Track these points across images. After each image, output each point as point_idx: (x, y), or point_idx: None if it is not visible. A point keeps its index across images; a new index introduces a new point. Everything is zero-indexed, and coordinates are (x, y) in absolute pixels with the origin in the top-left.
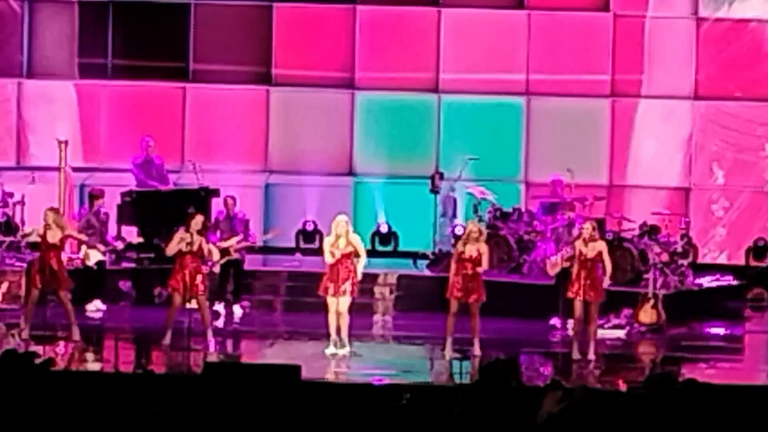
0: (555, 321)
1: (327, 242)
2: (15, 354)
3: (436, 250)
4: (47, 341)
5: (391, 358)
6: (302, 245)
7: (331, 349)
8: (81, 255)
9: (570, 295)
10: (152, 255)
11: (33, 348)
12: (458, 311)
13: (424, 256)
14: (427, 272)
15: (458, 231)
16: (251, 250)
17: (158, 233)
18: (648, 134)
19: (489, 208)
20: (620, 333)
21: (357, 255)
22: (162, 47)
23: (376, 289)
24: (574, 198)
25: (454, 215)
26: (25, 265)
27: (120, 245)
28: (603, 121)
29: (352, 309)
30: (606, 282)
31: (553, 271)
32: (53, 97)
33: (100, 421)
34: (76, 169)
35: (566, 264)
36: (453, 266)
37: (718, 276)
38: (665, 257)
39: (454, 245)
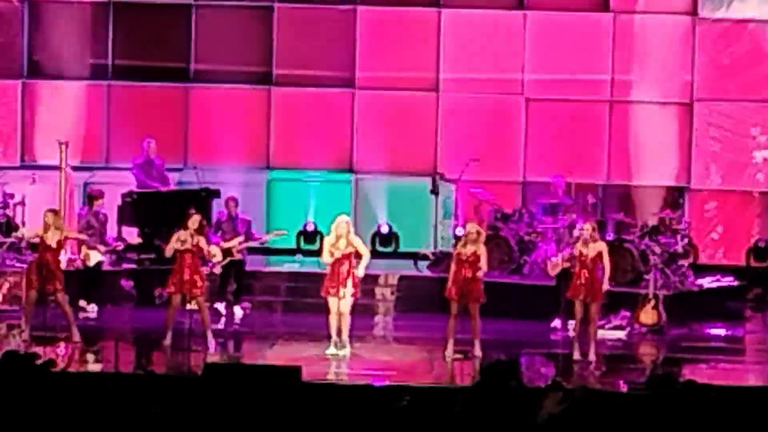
0: (556, 322)
1: (327, 242)
2: (16, 355)
3: (437, 251)
4: (47, 342)
5: (391, 359)
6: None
7: (331, 350)
8: (81, 256)
9: (570, 295)
10: (153, 256)
11: (33, 349)
12: (459, 312)
13: (424, 257)
14: (427, 273)
15: (459, 232)
16: (253, 249)
17: (159, 234)
18: (648, 134)
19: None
20: (621, 334)
21: (358, 256)
22: (164, 48)
23: (377, 290)
24: (575, 201)
25: (456, 216)
26: (25, 266)
27: (120, 246)
28: (602, 121)
29: (353, 310)
30: (605, 285)
31: (553, 272)
32: (56, 98)
33: (101, 422)
34: (76, 168)
35: (567, 264)
36: (452, 267)
37: (718, 277)
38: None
39: (454, 246)
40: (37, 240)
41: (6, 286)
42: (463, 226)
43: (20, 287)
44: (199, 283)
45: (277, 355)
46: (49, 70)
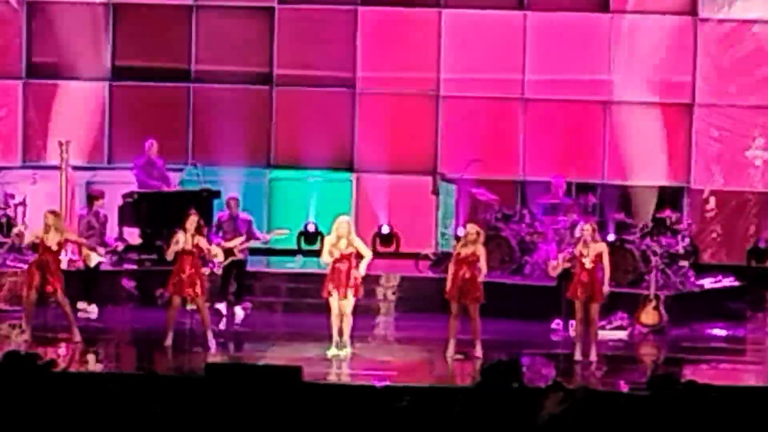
0: (556, 322)
1: (328, 242)
2: (17, 355)
3: (438, 251)
4: (48, 343)
5: (392, 359)
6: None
7: (332, 351)
8: (82, 256)
9: (570, 296)
10: (154, 256)
11: (34, 349)
12: (460, 313)
13: (425, 257)
14: (429, 273)
15: (460, 232)
16: (254, 249)
17: (159, 234)
18: (648, 135)
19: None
20: (622, 334)
21: (359, 256)
22: (165, 49)
23: (378, 291)
24: (575, 201)
25: (456, 217)
26: (25, 266)
27: (120, 246)
28: (602, 121)
29: (355, 310)
30: (605, 287)
31: (554, 273)
32: (58, 99)
33: (102, 422)
34: (77, 168)
35: (567, 265)
36: (451, 268)
37: (719, 277)
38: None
39: (454, 246)
40: (37, 241)
41: (6, 286)
42: (464, 226)
43: (21, 288)
44: (199, 285)
45: (277, 355)
46: (50, 70)
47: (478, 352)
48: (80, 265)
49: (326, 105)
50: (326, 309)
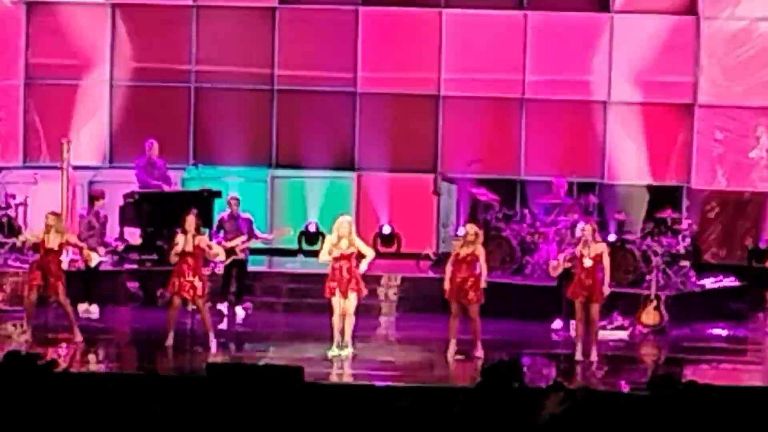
0: (557, 322)
1: (328, 241)
2: (18, 355)
3: (440, 252)
4: (50, 343)
5: (393, 359)
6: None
7: (333, 351)
8: (83, 256)
9: (570, 296)
10: (154, 256)
11: (35, 349)
12: (460, 313)
13: (426, 257)
14: (430, 273)
15: (460, 232)
16: (255, 249)
17: (160, 234)
18: (649, 135)
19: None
20: (623, 334)
21: (360, 256)
22: (166, 49)
23: (380, 291)
24: (576, 202)
25: (457, 217)
26: (26, 266)
27: (120, 246)
28: (603, 121)
29: (356, 311)
30: (605, 288)
31: (555, 273)
32: (59, 100)
33: (103, 423)
34: (78, 168)
35: (568, 265)
36: (449, 268)
37: (720, 277)
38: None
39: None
40: (37, 242)
41: (8, 286)
42: (463, 227)
43: (22, 288)
44: (199, 286)
45: (278, 355)
46: (50, 71)
47: (479, 352)
48: (81, 265)
49: (327, 105)
50: (328, 309)
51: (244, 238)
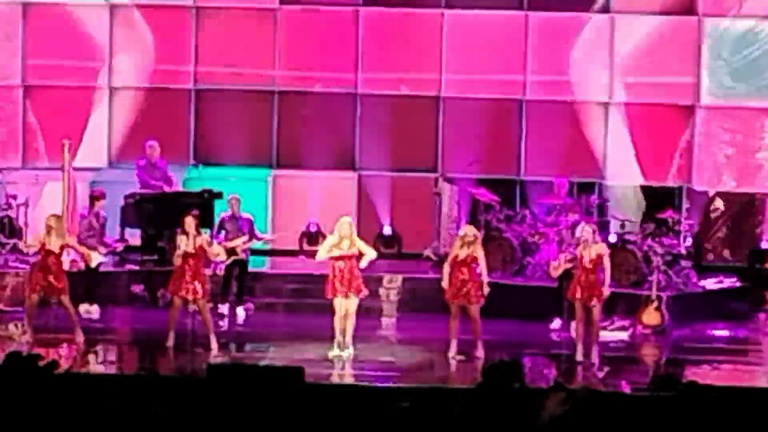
0: (556, 322)
1: (329, 241)
2: (19, 356)
3: (441, 252)
4: (51, 344)
5: (394, 360)
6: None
7: (334, 352)
8: (83, 256)
9: (569, 296)
10: (155, 257)
11: (36, 350)
12: (460, 313)
13: (428, 258)
14: (431, 274)
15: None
16: (256, 250)
17: (161, 235)
18: (650, 135)
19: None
20: (624, 335)
21: (361, 256)
22: (167, 51)
23: (381, 291)
24: (577, 201)
25: (458, 218)
26: (27, 267)
27: (119, 247)
28: (604, 122)
29: (357, 311)
30: (606, 290)
31: (555, 273)
32: (58, 100)
33: (104, 423)
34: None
35: (569, 265)
36: (447, 268)
37: (721, 278)
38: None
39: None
40: (38, 245)
41: (9, 287)
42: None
43: (23, 289)
44: (200, 287)
45: (279, 356)
46: (49, 72)
47: (480, 352)
48: (81, 266)
49: (328, 106)
50: (329, 310)
51: (245, 238)
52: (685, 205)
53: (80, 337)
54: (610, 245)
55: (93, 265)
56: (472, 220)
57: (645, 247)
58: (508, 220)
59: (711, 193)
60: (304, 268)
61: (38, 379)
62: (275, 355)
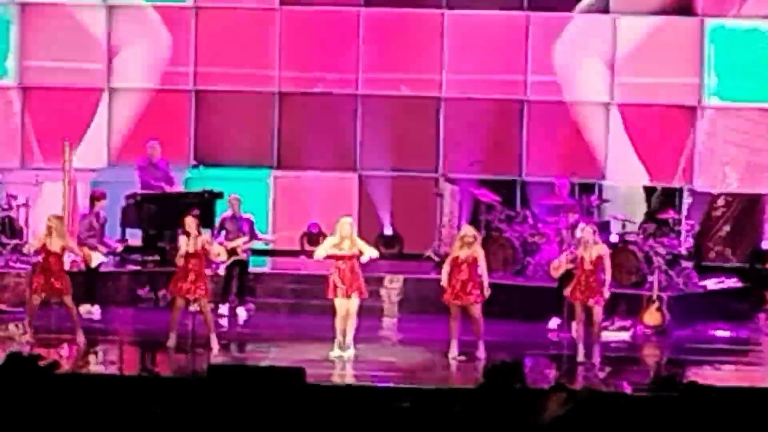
0: (554, 321)
1: (329, 241)
2: (19, 356)
3: (442, 253)
4: (52, 344)
5: (395, 360)
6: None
7: (335, 353)
8: (84, 257)
9: (570, 297)
10: (156, 257)
11: (37, 351)
12: (461, 314)
13: (429, 259)
14: (432, 275)
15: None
16: (256, 250)
17: (162, 236)
18: (652, 136)
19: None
20: (625, 335)
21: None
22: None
23: (382, 292)
24: (578, 202)
25: (459, 218)
26: (28, 267)
27: (119, 247)
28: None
29: (358, 312)
30: (606, 291)
31: (556, 273)
32: (58, 101)
33: (105, 424)
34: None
35: (570, 266)
36: (446, 269)
37: (722, 278)
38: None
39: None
40: (39, 246)
41: (10, 288)
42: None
43: (24, 289)
44: (202, 286)
45: (280, 356)
46: (47, 74)
47: (481, 353)
48: (82, 266)
49: (329, 106)
50: (331, 310)
51: (245, 238)
52: (686, 205)
53: (81, 338)
54: (612, 245)
55: (93, 265)
56: (473, 221)
57: (646, 248)
58: (509, 221)
59: (715, 193)
60: (305, 268)
61: (39, 379)
62: (276, 356)
